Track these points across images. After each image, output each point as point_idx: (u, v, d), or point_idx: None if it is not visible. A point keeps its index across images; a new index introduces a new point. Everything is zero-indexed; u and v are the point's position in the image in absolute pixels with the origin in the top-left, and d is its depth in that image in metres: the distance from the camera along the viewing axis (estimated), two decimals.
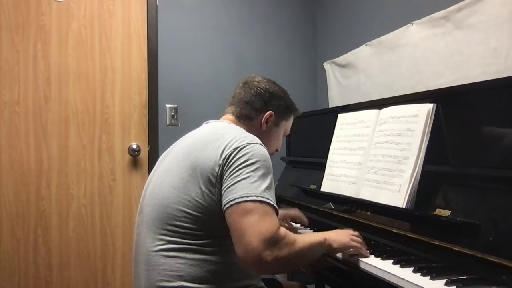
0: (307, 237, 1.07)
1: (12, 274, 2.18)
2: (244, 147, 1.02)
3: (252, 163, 1.00)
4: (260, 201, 0.95)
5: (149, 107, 2.42)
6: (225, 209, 0.97)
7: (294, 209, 1.59)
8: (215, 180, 1.01)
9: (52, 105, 2.25)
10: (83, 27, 2.30)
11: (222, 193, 0.99)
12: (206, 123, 1.25)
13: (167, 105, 2.47)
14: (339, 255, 1.18)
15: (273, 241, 0.93)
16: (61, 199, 2.26)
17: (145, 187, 1.20)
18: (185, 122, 2.41)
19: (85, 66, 2.31)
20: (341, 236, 1.15)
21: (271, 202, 0.98)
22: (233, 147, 1.02)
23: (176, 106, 2.48)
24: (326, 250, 1.11)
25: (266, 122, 1.27)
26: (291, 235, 0.99)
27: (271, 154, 1.31)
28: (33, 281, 2.21)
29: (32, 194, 2.22)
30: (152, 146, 2.40)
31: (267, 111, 1.26)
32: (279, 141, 1.36)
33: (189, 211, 1.02)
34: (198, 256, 1.02)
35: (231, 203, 0.96)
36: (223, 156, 1.01)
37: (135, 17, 2.39)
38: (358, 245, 1.15)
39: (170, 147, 1.23)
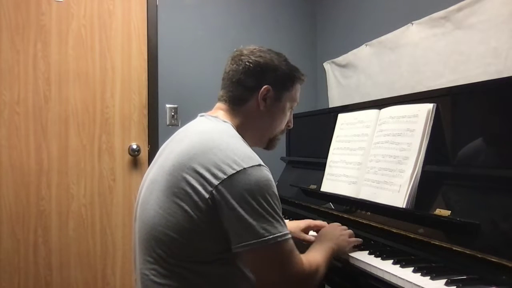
0: (320, 255, 1.06)
1: (12, 274, 2.18)
2: (239, 174, 0.90)
3: (255, 197, 0.90)
4: (279, 242, 0.90)
5: (149, 107, 2.42)
6: (239, 252, 0.91)
7: (318, 221, 1.42)
8: (204, 206, 0.91)
9: (52, 105, 2.25)
10: (83, 27, 2.30)
11: (227, 230, 0.91)
12: (200, 115, 1.14)
13: (167, 105, 2.47)
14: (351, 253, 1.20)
15: (305, 277, 0.95)
16: (61, 199, 2.26)
17: (139, 190, 1.12)
18: (185, 122, 2.39)
19: (85, 66, 2.31)
20: (338, 240, 1.17)
21: (288, 236, 0.93)
22: (227, 173, 0.90)
23: (176, 106, 2.48)
24: (334, 256, 1.13)
25: (265, 100, 1.08)
26: (312, 262, 0.99)
27: (282, 132, 1.19)
28: (33, 281, 2.21)
29: (32, 194, 2.22)
30: (152, 146, 2.40)
31: (262, 87, 1.08)
32: (287, 116, 1.16)
33: (175, 236, 0.92)
34: (191, 285, 0.95)
35: (246, 248, 0.89)
36: (214, 182, 0.90)
37: (135, 17, 2.39)
38: (353, 241, 1.20)
39: (163, 146, 1.13)
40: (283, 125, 1.17)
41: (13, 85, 2.19)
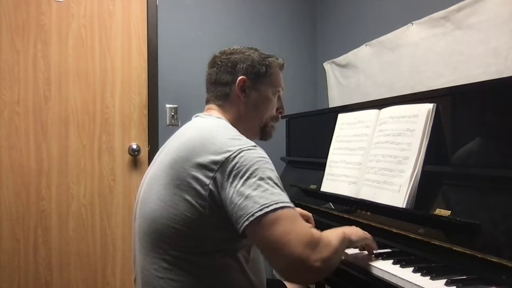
0: (333, 233, 0.98)
1: (12, 274, 2.18)
2: (237, 154, 0.92)
3: (254, 172, 0.91)
4: (282, 207, 0.87)
5: (149, 107, 2.42)
6: (245, 227, 0.87)
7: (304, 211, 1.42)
8: (206, 193, 0.92)
9: (52, 105, 2.25)
10: (83, 27, 2.30)
11: (231, 211, 0.90)
12: (195, 116, 1.17)
13: (167, 105, 2.47)
14: (348, 251, 1.16)
15: (314, 243, 0.86)
16: (61, 199, 2.26)
17: (139, 189, 1.14)
18: (185, 122, 2.40)
19: (85, 66, 2.31)
20: (355, 229, 1.11)
21: (291, 205, 0.90)
22: (225, 156, 0.92)
23: (176, 106, 2.48)
24: (348, 244, 1.04)
25: (243, 91, 1.12)
26: (323, 233, 0.93)
27: (274, 119, 1.20)
28: (33, 281, 2.21)
29: (32, 194, 2.22)
30: (152, 146, 2.40)
31: (237, 79, 1.11)
32: (273, 102, 1.18)
33: (177, 226, 0.94)
34: (193, 278, 0.95)
35: (251, 218, 0.86)
36: (214, 167, 0.92)
37: (135, 17, 2.39)
38: (370, 237, 1.12)
39: (163, 146, 1.16)
40: (271, 112, 1.19)
41: (13, 85, 2.19)
